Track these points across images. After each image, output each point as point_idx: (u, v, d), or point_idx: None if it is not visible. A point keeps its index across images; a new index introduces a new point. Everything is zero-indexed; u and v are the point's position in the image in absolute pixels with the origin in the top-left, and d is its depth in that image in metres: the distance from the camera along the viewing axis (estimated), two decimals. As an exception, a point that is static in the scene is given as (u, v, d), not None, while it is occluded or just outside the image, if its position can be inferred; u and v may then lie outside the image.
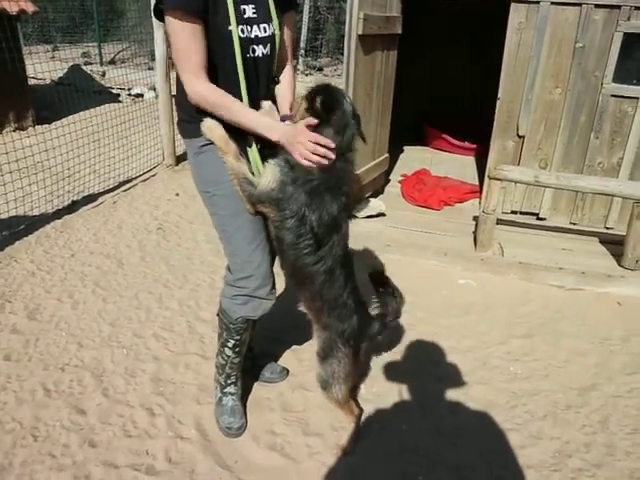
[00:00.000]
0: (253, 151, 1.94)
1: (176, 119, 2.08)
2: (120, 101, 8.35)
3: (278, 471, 2.08)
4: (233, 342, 2.17)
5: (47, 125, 6.39)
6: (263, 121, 1.83)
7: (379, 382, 2.57)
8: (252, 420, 2.30)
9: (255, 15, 1.84)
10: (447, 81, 6.61)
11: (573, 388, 2.57)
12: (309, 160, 1.75)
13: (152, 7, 1.73)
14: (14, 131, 6.75)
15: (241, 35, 1.79)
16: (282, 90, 2.07)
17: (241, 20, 1.79)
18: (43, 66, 6.76)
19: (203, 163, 1.95)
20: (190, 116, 1.91)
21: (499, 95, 4.13)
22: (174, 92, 2.03)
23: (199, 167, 1.98)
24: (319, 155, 1.74)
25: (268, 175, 1.83)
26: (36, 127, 6.76)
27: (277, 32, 1.91)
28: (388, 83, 4.49)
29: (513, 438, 2.25)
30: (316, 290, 1.94)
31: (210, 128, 1.85)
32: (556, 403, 2.46)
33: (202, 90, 1.77)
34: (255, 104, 1.90)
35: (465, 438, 2.27)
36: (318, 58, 9.75)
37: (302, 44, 9.01)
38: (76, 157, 4.90)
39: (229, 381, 2.30)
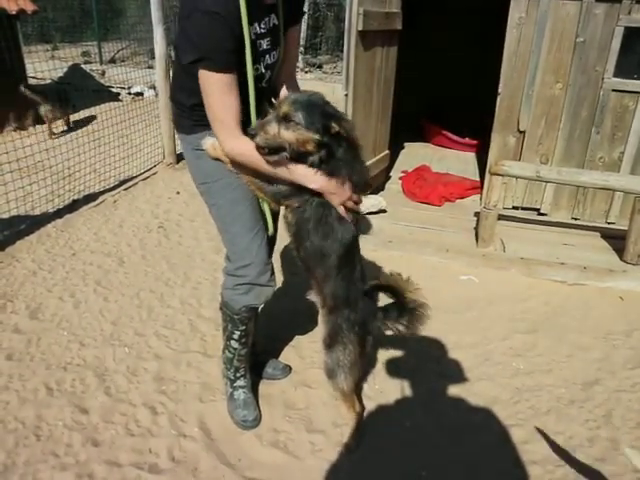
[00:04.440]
0: None
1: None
2: (120, 100, 8.35)
3: (281, 468, 2.07)
4: (239, 333, 2.18)
5: (47, 125, 6.39)
6: (299, 174, 1.77)
7: (381, 379, 2.57)
8: (255, 418, 2.30)
9: (269, 46, 1.84)
10: (448, 77, 6.61)
11: (576, 383, 2.56)
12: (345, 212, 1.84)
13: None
14: (14, 131, 6.75)
15: (255, 73, 1.80)
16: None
17: (257, 57, 1.79)
18: (42, 65, 6.77)
19: (201, 156, 1.95)
20: (186, 111, 1.92)
21: (499, 90, 4.12)
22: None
23: (197, 160, 1.98)
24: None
25: None
26: (36, 127, 6.75)
27: (282, 56, 1.93)
28: (388, 79, 4.48)
29: (517, 434, 2.25)
30: (329, 270, 1.93)
31: (213, 146, 1.88)
32: (559, 398, 2.46)
33: (241, 149, 1.76)
34: (258, 112, 1.89)
35: (469, 434, 2.26)
36: (318, 55, 9.72)
37: (302, 41, 8.99)
38: (76, 156, 4.89)
39: (238, 374, 2.31)
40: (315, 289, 2.05)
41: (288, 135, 1.69)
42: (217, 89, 1.68)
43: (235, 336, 2.20)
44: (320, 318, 2.10)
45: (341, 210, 1.83)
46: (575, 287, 3.44)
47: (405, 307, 2.00)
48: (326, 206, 1.84)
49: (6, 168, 4.29)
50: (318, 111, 1.70)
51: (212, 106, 1.72)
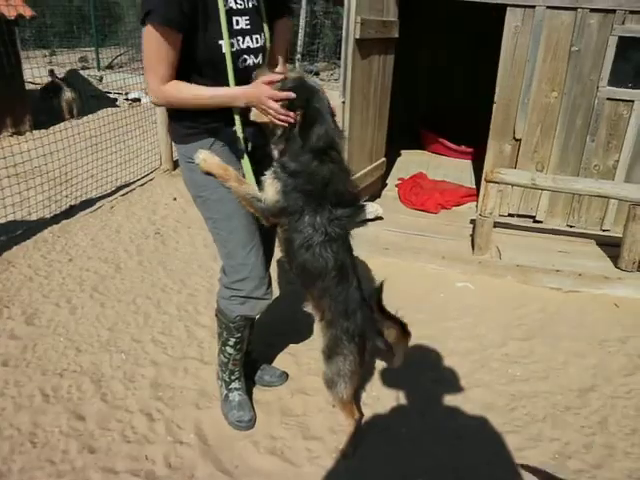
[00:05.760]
0: (246, 162, 1.97)
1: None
2: (117, 106, 8.36)
3: (278, 475, 2.07)
4: (234, 340, 2.20)
5: (44, 130, 6.39)
6: (224, 92, 1.82)
7: (378, 386, 2.57)
8: (251, 424, 2.30)
9: (249, 26, 1.86)
10: (445, 85, 6.65)
11: (572, 390, 2.57)
12: (277, 119, 1.80)
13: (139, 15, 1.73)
14: (11, 136, 6.75)
15: (232, 49, 1.80)
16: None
17: (233, 33, 1.80)
18: (41, 71, 6.77)
19: (194, 169, 1.95)
20: (178, 120, 1.93)
21: (495, 98, 4.15)
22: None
23: (192, 172, 1.97)
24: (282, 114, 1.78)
25: (269, 189, 1.87)
26: (33, 132, 6.76)
27: (268, 44, 1.95)
28: (385, 87, 4.50)
29: (513, 440, 2.26)
30: (325, 287, 1.96)
31: (205, 160, 1.89)
32: (555, 405, 2.47)
33: (166, 92, 1.78)
34: (245, 111, 1.90)
35: (465, 441, 2.27)
36: (315, 62, 9.78)
37: (299, 48, 9.04)
38: (73, 162, 4.90)
39: (233, 377, 2.33)
40: (312, 303, 2.07)
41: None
42: (156, 42, 1.69)
43: (230, 342, 2.21)
44: (317, 328, 2.11)
45: (277, 122, 1.81)
46: (570, 294, 3.45)
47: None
48: (314, 227, 1.87)
49: (3, 173, 4.29)
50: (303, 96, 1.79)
51: (147, 56, 1.74)
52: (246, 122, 1.92)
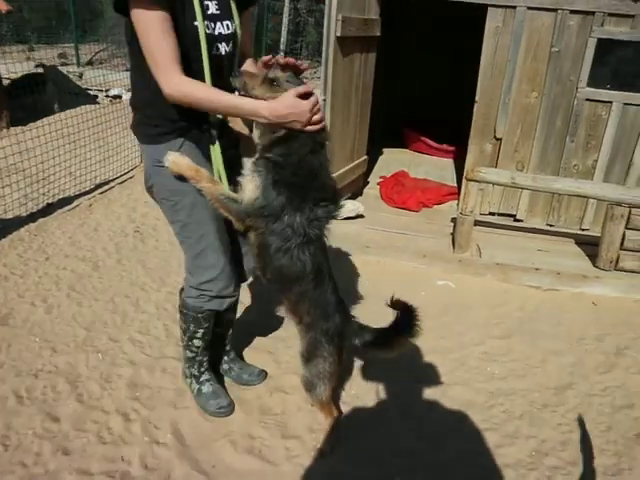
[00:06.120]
0: (216, 149, 1.90)
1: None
2: (98, 102, 8.24)
3: (256, 475, 2.05)
4: (202, 331, 2.19)
5: (22, 127, 6.27)
6: (245, 102, 1.75)
7: (357, 384, 2.57)
8: (229, 424, 2.27)
9: (218, 11, 1.81)
10: (427, 84, 6.67)
11: (549, 387, 2.60)
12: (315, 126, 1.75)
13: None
14: (-13, 133, 6.60)
15: (207, 31, 1.75)
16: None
17: (206, 16, 1.75)
18: (17, 66, 6.65)
19: (162, 172, 1.86)
20: (152, 119, 1.85)
21: (477, 98, 4.18)
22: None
23: (161, 175, 1.89)
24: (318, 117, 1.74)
25: (248, 185, 1.81)
26: (10, 129, 6.62)
27: (239, 30, 1.89)
28: (367, 85, 4.50)
29: (491, 438, 2.27)
30: (303, 291, 1.94)
31: (175, 162, 1.81)
32: (533, 402, 2.49)
33: (183, 87, 1.70)
34: None
35: (443, 438, 2.27)
36: (297, 60, 9.75)
37: (282, 46, 9.02)
38: (51, 159, 4.81)
39: (202, 369, 2.33)
40: (288, 308, 2.05)
41: (264, 94, 1.73)
42: (153, 28, 1.62)
43: (198, 334, 2.20)
44: (298, 334, 2.09)
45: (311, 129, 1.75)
46: (549, 292, 3.49)
47: (389, 334, 2.06)
48: (293, 228, 1.82)
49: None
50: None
51: (150, 47, 1.65)
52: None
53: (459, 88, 5.38)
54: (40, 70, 7.91)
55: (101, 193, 4.80)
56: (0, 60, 6.86)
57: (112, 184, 5.02)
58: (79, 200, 4.58)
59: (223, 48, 1.84)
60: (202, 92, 1.73)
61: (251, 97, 1.74)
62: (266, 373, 2.57)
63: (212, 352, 2.42)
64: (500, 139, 4.25)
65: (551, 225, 4.37)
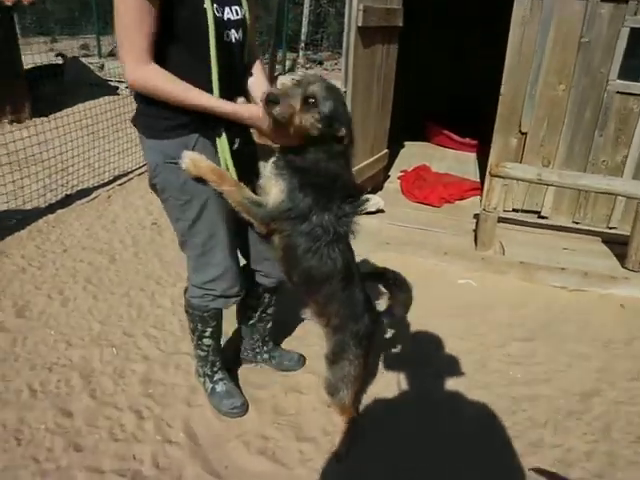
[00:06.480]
0: (223, 141, 1.79)
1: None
2: (118, 94, 8.27)
3: (269, 477, 2.00)
4: (211, 329, 2.16)
5: (44, 117, 6.31)
6: (224, 105, 1.67)
7: (375, 385, 2.50)
8: (243, 424, 2.23)
9: None
10: (451, 76, 6.53)
11: (575, 393, 2.49)
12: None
13: None
14: (10, 123, 6.67)
15: (216, 14, 1.63)
16: (255, 85, 1.93)
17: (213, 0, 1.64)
18: (41, 57, 6.70)
19: (175, 171, 1.75)
20: (164, 111, 1.68)
21: (502, 91, 4.04)
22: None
23: (171, 173, 1.78)
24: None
25: (273, 189, 1.73)
26: (34, 119, 6.68)
27: (247, 15, 1.78)
28: (388, 77, 4.40)
29: (514, 445, 2.18)
30: (332, 291, 1.87)
31: (195, 164, 1.70)
32: (557, 409, 2.39)
33: (146, 73, 1.59)
34: (228, 94, 1.74)
35: (463, 444, 2.19)
36: (319, 52, 9.64)
37: (303, 37, 8.90)
38: (70, 150, 4.82)
39: (215, 368, 2.29)
40: (314, 310, 1.97)
41: (306, 120, 1.60)
42: (132, 9, 1.51)
43: (207, 333, 2.16)
44: (325, 336, 2.03)
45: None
46: (575, 293, 3.37)
47: (390, 287, 2.00)
48: (323, 227, 1.74)
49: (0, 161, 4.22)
50: (342, 110, 1.65)
51: (123, 24, 1.54)
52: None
53: (484, 80, 5.24)
54: (59, 61, 7.95)
55: (120, 185, 4.79)
56: (24, 51, 6.89)
57: (131, 176, 5.02)
58: (98, 192, 4.58)
59: (233, 35, 1.73)
60: (169, 84, 1.61)
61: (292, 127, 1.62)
62: (305, 358, 2.58)
63: (251, 342, 2.49)
64: (525, 133, 4.11)
65: (577, 223, 4.23)
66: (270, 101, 1.57)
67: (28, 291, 3.11)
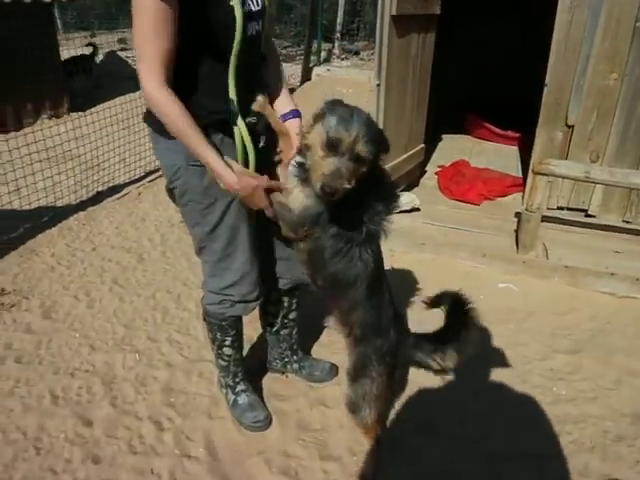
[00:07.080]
0: (241, 127, 1.67)
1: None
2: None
3: (290, 499, 1.91)
4: (231, 339, 2.08)
5: (81, 112, 6.38)
6: (220, 163, 1.60)
7: (404, 402, 2.35)
8: (265, 439, 2.13)
9: None
10: (490, 66, 6.24)
11: (625, 415, 2.27)
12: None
13: None
14: (49, 118, 6.79)
15: (243, 9, 1.52)
16: (271, 79, 1.83)
17: None
18: (77, 52, 6.78)
19: (198, 173, 1.68)
20: (188, 109, 1.56)
21: (546, 81, 3.78)
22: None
23: (194, 176, 1.70)
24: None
25: (299, 196, 1.63)
26: (71, 114, 6.77)
27: (267, 3, 1.66)
28: (425, 68, 4.19)
29: (556, 472, 2.00)
30: (357, 298, 1.74)
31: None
32: (606, 432, 2.18)
33: (160, 99, 1.50)
34: (246, 91, 1.65)
35: (501, 465, 2.03)
36: (355, 42, 9.43)
37: (338, 27, 8.71)
38: (105, 145, 4.82)
39: (237, 379, 2.21)
40: (338, 318, 1.84)
41: (358, 178, 1.50)
42: (153, 12, 1.40)
43: (227, 342, 2.08)
44: (347, 349, 1.89)
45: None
46: (626, 300, 3.11)
47: (448, 336, 1.81)
48: (352, 232, 1.63)
49: (35, 157, 4.24)
50: (383, 144, 1.57)
51: (142, 32, 1.44)
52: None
53: (526, 70, 4.96)
54: (87, 52, 8.00)
55: (150, 181, 4.77)
56: (64, 47, 6.99)
57: (160, 172, 4.98)
58: (128, 188, 4.57)
59: (254, 27, 1.63)
60: (180, 121, 1.53)
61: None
62: (337, 368, 2.44)
63: (279, 351, 2.40)
64: (572, 126, 3.84)
65: (628, 222, 3.94)
66: (328, 193, 1.46)
67: (56, 291, 3.10)
